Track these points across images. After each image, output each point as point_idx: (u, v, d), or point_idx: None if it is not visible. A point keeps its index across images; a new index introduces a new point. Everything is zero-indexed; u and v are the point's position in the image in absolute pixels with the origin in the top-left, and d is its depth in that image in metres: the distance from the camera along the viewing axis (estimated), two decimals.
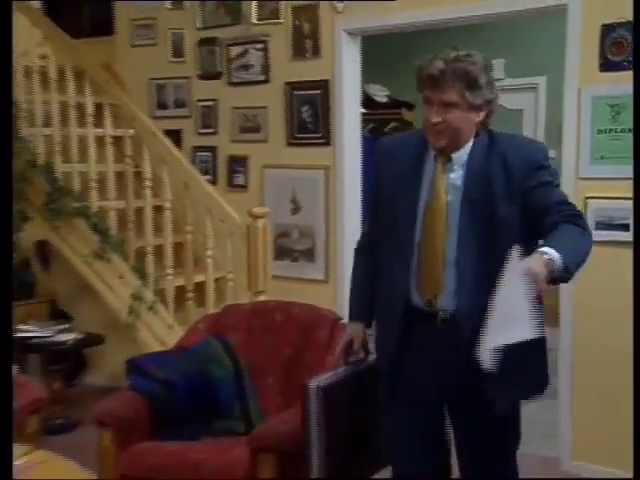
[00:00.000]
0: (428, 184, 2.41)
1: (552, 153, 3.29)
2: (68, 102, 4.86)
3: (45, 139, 4.94)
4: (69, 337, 4.74)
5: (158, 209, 4.75)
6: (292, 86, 4.87)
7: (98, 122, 4.87)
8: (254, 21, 4.96)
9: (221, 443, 3.22)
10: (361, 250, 2.74)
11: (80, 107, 4.84)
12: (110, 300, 4.79)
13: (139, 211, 4.78)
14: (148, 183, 4.61)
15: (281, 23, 4.84)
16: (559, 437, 3.97)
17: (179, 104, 5.46)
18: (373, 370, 2.60)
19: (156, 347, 4.43)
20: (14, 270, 5.13)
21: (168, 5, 5.39)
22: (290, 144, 4.93)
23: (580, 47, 3.77)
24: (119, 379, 4.40)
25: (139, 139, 4.80)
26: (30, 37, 4.99)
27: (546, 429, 4.13)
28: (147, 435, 3.26)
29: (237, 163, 5.21)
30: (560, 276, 2.12)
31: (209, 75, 5.26)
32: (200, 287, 4.61)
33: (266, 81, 4.94)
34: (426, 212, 2.39)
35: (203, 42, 5.25)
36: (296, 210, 4.93)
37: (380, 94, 6.92)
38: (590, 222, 3.36)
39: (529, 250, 2.12)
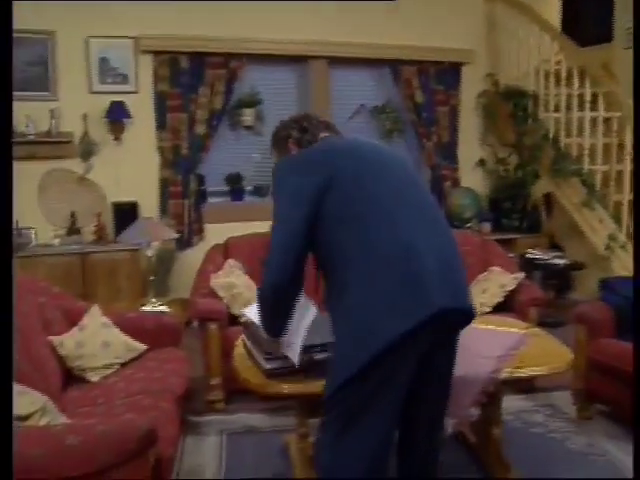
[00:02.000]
0: None
1: None
2: (572, 94, 5.11)
3: (554, 120, 5.27)
4: (561, 262, 5.13)
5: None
6: None
7: (593, 107, 5.03)
8: None
9: None
10: None
11: (581, 97, 5.06)
12: (592, 238, 4.98)
13: (619, 173, 4.86)
14: (629, 152, 4.67)
15: None
16: None
17: None
18: None
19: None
20: (528, 211, 5.87)
21: None
22: None
23: None
24: (593, 295, 4.84)
25: (624, 119, 4.84)
26: (550, 49, 5.35)
27: None
28: (610, 334, 3.39)
29: None
30: None
31: None
32: None
33: None
34: None
35: None
36: None
37: None
38: None
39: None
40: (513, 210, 5.69)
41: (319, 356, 2.44)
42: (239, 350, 2.85)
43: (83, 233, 4.90)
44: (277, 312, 2.10)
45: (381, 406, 1.90)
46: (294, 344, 2.28)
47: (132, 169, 5.05)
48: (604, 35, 5.85)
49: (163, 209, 5.16)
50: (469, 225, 5.59)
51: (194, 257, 5.14)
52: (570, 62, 5.19)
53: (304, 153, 2.11)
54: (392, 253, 1.84)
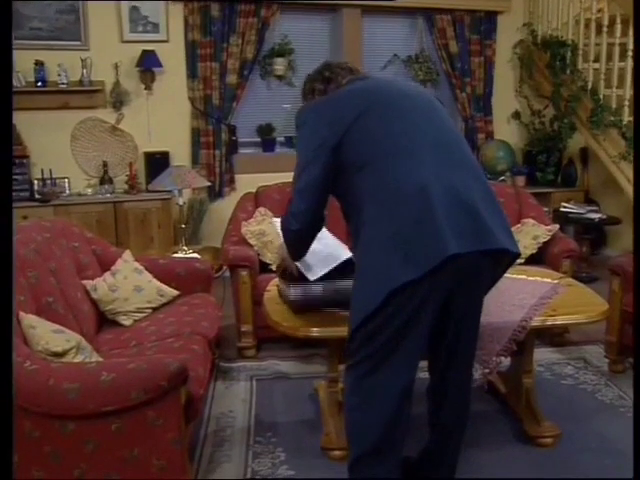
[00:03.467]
0: None
1: None
2: (614, 43, 4.86)
3: (594, 71, 5.06)
4: (596, 216, 5.03)
5: None
6: None
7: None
8: None
9: None
10: None
11: (623, 46, 4.81)
12: (629, 191, 4.71)
13: None
14: None
15: None
16: None
17: None
18: None
19: None
20: (563, 165, 5.72)
21: None
22: None
23: None
24: (627, 251, 4.63)
25: None
26: None
27: None
28: None
29: None
30: None
31: None
32: None
33: None
34: None
35: None
36: None
37: None
38: None
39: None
40: (548, 163, 5.55)
41: (341, 284, 2.47)
42: (270, 294, 2.86)
43: (115, 182, 4.91)
44: (298, 248, 2.26)
45: (399, 351, 1.87)
46: (315, 267, 2.45)
47: (163, 119, 5.02)
48: None
49: (194, 159, 5.14)
50: (503, 178, 5.48)
51: (225, 207, 5.15)
52: (612, 10, 4.94)
53: (323, 101, 2.09)
54: (405, 195, 1.81)
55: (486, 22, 5.62)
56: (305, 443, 2.78)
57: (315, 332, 2.49)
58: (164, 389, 2.06)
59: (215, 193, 5.23)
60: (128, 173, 4.90)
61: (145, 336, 2.87)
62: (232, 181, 5.29)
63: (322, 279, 2.51)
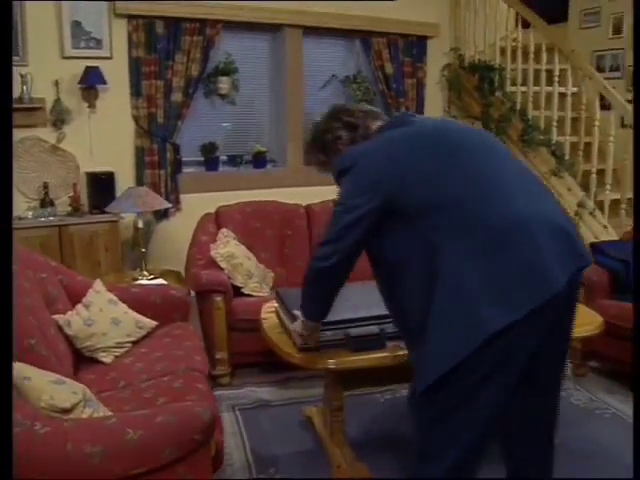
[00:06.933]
0: None
1: None
2: (541, 69, 4.93)
3: (522, 94, 5.10)
4: None
5: (602, 143, 4.59)
6: None
7: (562, 82, 4.83)
8: None
9: None
10: None
11: (549, 72, 4.89)
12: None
13: (588, 145, 4.71)
14: (597, 124, 4.50)
15: None
16: None
17: (614, 69, 5.34)
18: None
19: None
20: None
21: None
22: None
23: None
24: None
25: (590, 94, 4.74)
26: (512, 24, 5.24)
27: None
28: (606, 295, 3.37)
29: None
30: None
31: None
32: (630, 201, 4.38)
33: None
34: None
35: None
36: None
37: None
38: None
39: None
40: None
41: (354, 331, 2.31)
42: (269, 323, 2.57)
43: (57, 205, 4.38)
44: (322, 297, 1.94)
45: (489, 393, 1.61)
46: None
47: (106, 138, 4.54)
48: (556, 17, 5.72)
49: (139, 179, 4.69)
50: None
51: (171, 228, 4.81)
52: (539, 38, 5.00)
53: (372, 145, 1.80)
54: (499, 232, 1.58)
55: (417, 46, 5.55)
56: (313, 476, 2.50)
57: (332, 364, 2.26)
58: (199, 443, 1.73)
59: (160, 214, 4.80)
60: (71, 194, 4.38)
61: (133, 374, 2.49)
62: (177, 201, 4.88)
63: (333, 324, 2.26)
